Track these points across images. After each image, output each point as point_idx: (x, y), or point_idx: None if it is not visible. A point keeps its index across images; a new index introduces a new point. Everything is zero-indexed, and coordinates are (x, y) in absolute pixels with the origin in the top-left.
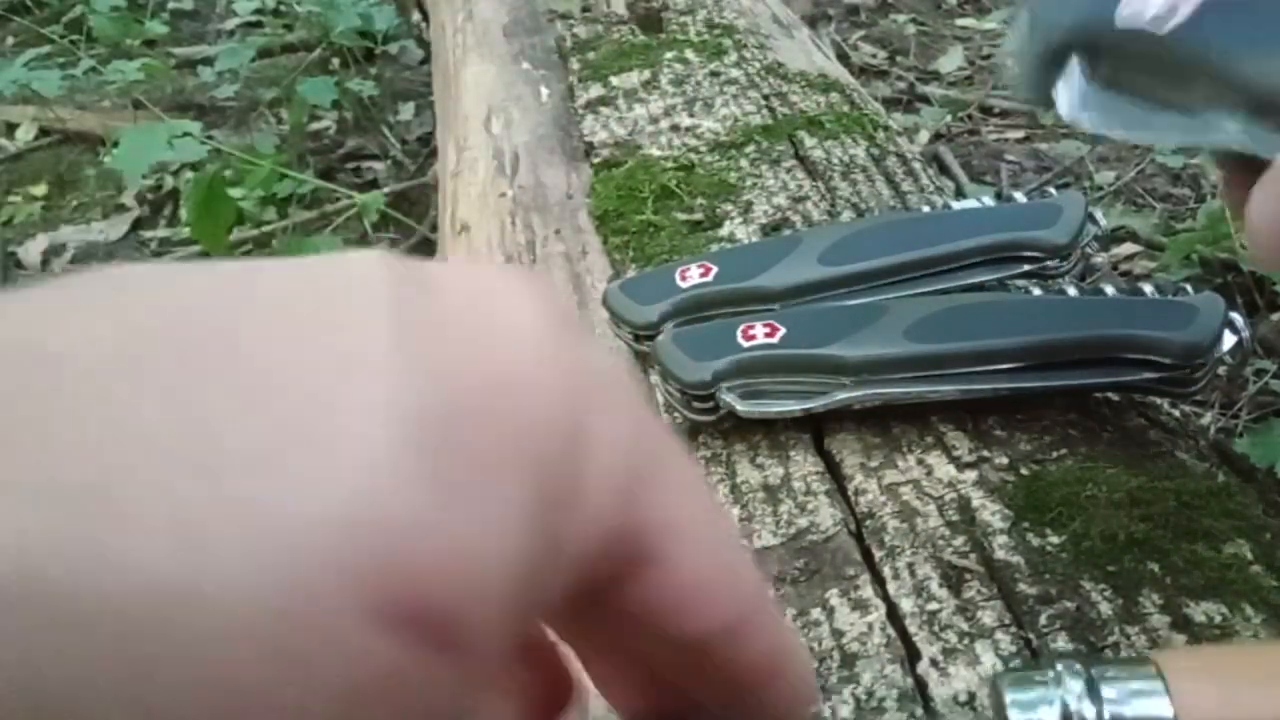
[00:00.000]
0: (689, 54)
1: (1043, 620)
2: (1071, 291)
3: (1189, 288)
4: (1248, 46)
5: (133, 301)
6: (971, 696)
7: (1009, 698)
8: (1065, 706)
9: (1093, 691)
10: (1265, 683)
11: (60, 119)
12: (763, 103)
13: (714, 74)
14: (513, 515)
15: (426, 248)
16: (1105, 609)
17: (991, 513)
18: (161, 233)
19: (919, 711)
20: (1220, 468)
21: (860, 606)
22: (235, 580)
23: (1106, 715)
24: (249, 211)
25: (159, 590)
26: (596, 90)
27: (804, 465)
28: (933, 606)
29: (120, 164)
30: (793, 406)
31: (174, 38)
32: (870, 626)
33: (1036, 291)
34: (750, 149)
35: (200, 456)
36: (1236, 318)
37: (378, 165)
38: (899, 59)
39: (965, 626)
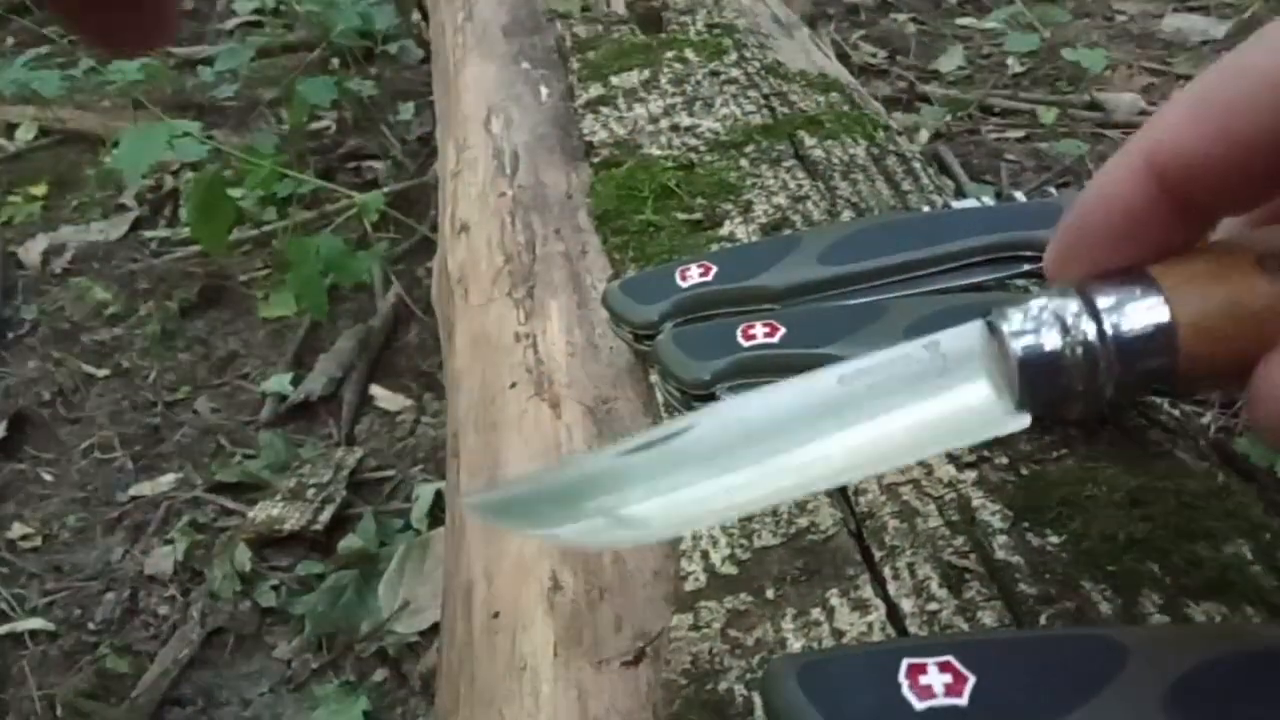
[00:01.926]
0: (689, 53)
1: (1043, 620)
2: None
3: None
4: None
5: None
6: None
7: (1007, 329)
8: (1064, 325)
9: (1089, 306)
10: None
11: (60, 119)
12: (763, 102)
13: (714, 73)
14: None
15: (427, 247)
16: (1105, 609)
17: (991, 513)
18: (161, 233)
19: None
20: (1220, 468)
21: (860, 606)
22: None
23: (1107, 327)
24: (249, 211)
25: None
26: (596, 90)
27: None
28: (933, 606)
29: (120, 164)
30: None
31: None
32: (870, 626)
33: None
34: (750, 149)
35: None
36: None
37: (378, 165)
38: (899, 58)
39: (965, 626)
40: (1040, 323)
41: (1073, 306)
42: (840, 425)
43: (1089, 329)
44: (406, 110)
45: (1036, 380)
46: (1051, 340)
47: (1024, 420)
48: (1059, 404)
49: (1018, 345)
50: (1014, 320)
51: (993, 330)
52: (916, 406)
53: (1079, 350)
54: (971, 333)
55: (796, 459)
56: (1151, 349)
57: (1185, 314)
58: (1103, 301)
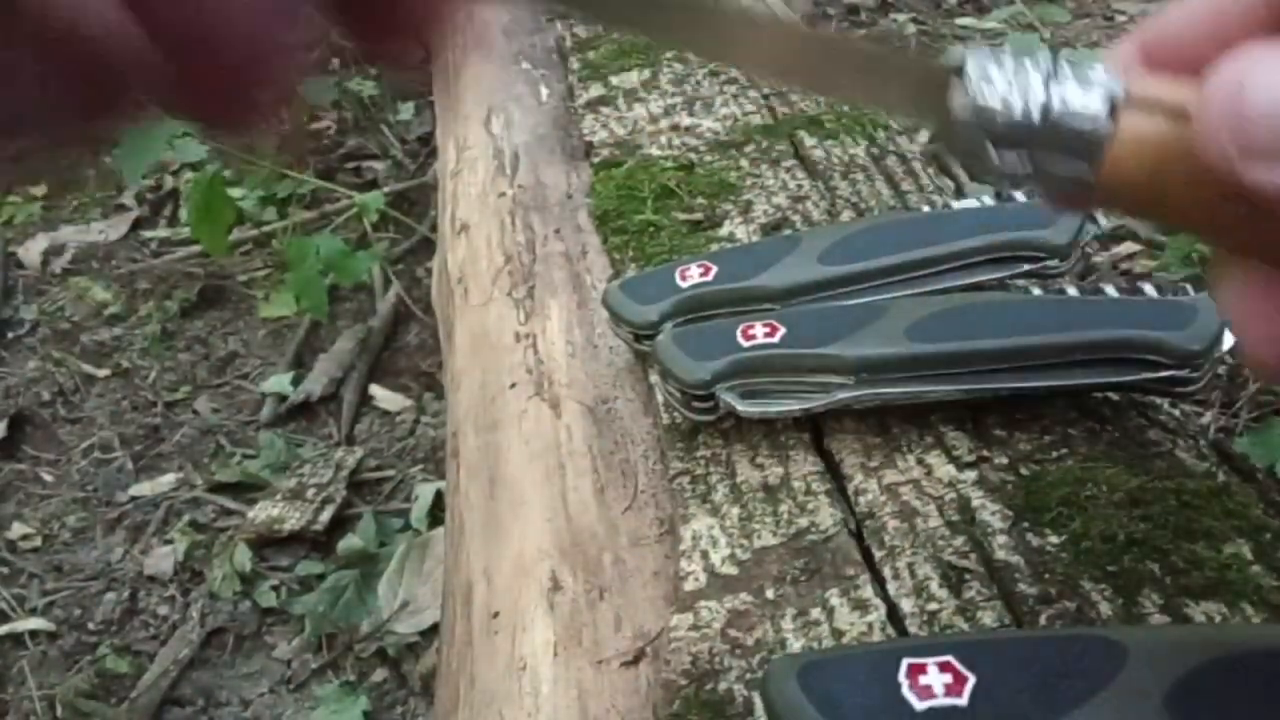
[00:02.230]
0: (689, 53)
1: (1043, 620)
2: (1071, 291)
3: (1189, 288)
4: None
5: None
6: None
7: (970, 68)
8: (1016, 87)
9: (1048, 80)
10: None
11: None
12: (762, 102)
13: (714, 73)
14: None
15: (426, 247)
16: (1105, 609)
17: (991, 513)
18: (161, 233)
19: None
20: (1220, 468)
21: (860, 606)
22: None
23: (1053, 103)
24: (249, 211)
25: None
26: (596, 90)
27: (804, 465)
28: (933, 606)
29: (120, 164)
30: (793, 406)
31: None
32: (870, 626)
33: (1036, 291)
34: (750, 148)
35: None
36: None
37: (378, 165)
38: None
39: (965, 626)
40: (997, 76)
41: (1036, 76)
42: None
43: (1035, 100)
44: (406, 110)
45: (967, 121)
46: (996, 96)
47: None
48: (978, 150)
49: (966, 86)
50: (978, 63)
51: (961, 63)
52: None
53: (1016, 114)
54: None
55: None
56: (1081, 143)
57: (1128, 127)
58: (1060, 84)
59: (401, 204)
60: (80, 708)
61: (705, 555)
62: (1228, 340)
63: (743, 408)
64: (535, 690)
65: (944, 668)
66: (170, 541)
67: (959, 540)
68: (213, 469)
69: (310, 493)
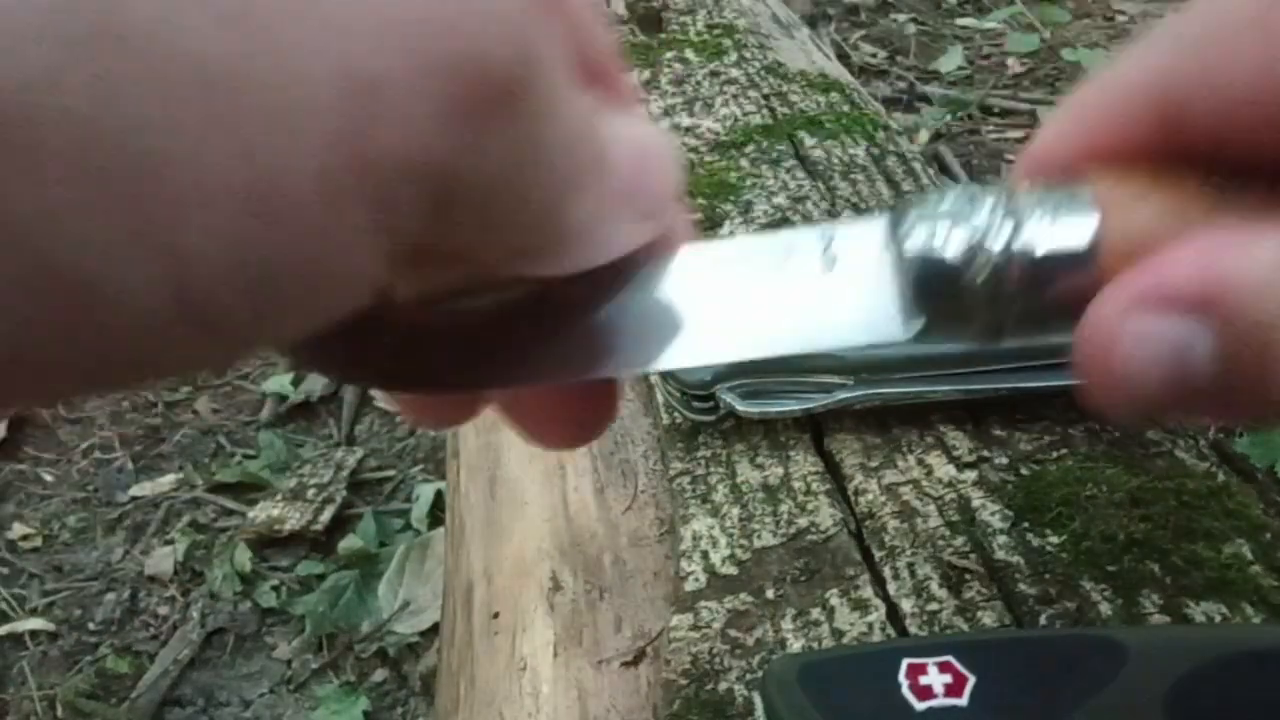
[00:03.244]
0: (689, 54)
1: (1043, 620)
2: None
3: None
4: None
5: None
6: None
7: (905, 230)
8: (972, 229)
9: (1011, 211)
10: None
11: None
12: (763, 102)
13: (714, 74)
14: None
15: None
16: (1105, 609)
17: (991, 513)
18: None
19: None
20: (1220, 468)
21: (860, 606)
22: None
23: (1022, 233)
24: None
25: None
26: None
27: (804, 465)
28: (933, 607)
29: None
30: (793, 406)
31: None
32: (870, 626)
33: None
34: (750, 149)
35: None
36: None
37: None
38: (899, 59)
39: (965, 626)
40: (945, 225)
41: (984, 209)
42: (723, 306)
43: (1002, 235)
44: None
45: (930, 291)
46: (953, 247)
47: (915, 328)
48: (956, 316)
49: (913, 249)
50: (915, 219)
51: (893, 228)
52: (802, 299)
53: (983, 261)
54: (873, 230)
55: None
56: (1068, 262)
57: (1113, 228)
58: (1024, 198)
59: None
60: (80, 708)
61: (705, 555)
62: None
63: (743, 408)
64: (535, 690)
65: (944, 668)
66: (170, 541)
67: (959, 540)
68: (213, 469)
69: (310, 493)
